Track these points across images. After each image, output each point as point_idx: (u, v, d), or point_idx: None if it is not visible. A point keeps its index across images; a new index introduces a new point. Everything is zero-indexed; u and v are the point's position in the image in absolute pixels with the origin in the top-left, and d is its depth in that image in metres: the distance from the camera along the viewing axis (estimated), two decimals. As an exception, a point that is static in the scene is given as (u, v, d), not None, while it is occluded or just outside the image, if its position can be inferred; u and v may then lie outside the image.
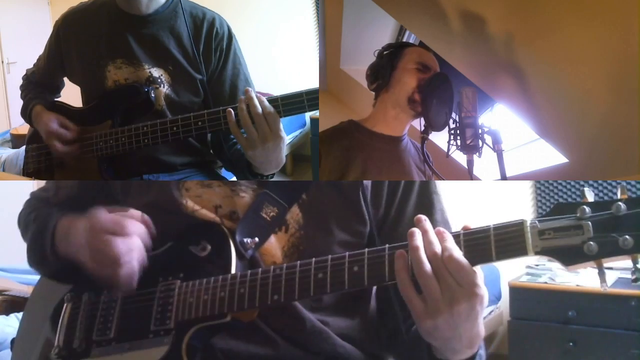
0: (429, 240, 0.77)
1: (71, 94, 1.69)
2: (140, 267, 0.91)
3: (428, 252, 0.76)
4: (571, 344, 2.65)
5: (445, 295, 0.75)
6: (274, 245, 0.94)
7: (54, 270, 1.01)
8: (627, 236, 0.68)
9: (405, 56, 1.49)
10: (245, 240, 0.92)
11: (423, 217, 0.80)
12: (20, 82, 1.72)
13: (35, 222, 1.06)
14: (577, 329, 2.65)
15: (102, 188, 1.12)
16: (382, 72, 1.48)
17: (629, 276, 0.71)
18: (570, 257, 0.72)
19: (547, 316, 2.72)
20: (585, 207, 0.71)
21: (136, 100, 1.44)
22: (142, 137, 1.35)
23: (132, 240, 0.90)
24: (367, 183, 0.98)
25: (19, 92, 1.69)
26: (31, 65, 1.71)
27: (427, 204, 1.01)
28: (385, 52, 1.52)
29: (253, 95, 1.20)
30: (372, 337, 1.01)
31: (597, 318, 2.61)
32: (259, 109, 1.19)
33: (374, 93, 1.56)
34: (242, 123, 1.20)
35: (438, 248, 0.76)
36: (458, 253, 0.75)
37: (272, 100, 1.21)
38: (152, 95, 1.44)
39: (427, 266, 0.76)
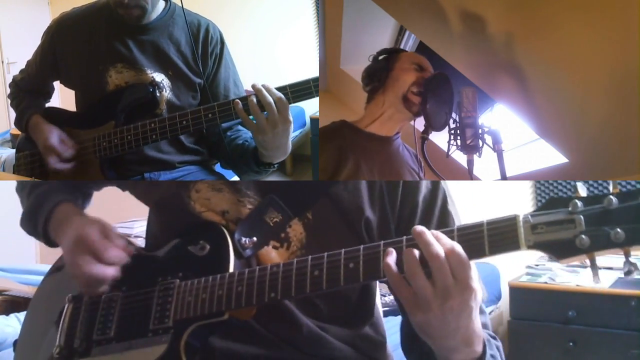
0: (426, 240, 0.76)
1: (65, 99, 1.67)
2: (104, 289, 0.96)
3: (427, 252, 0.75)
4: (571, 344, 2.65)
5: (438, 289, 0.74)
6: (275, 260, 0.95)
7: (43, 240, 1.09)
8: (618, 229, 0.68)
9: (401, 58, 1.53)
10: (243, 239, 0.93)
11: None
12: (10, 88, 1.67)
13: (33, 194, 1.11)
14: (577, 329, 2.65)
15: None
16: (378, 74, 1.50)
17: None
18: (562, 250, 0.72)
19: (547, 316, 2.72)
20: (577, 201, 0.72)
21: (141, 100, 1.45)
22: (149, 134, 1.37)
23: (107, 270, 0.94)
24: (372, 218, 0.97)
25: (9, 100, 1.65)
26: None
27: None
28: (381, 57, 1.55)
29: (260, 87, 1.26)
30: (373, 345, 1.01)
31: (597, 318, 2.61)
32: (269, 98, 1.25)
33: (366, 95, 1.57)
34: (252, 111, 1.27)
35: (439, 244, 0.76)
36: (459, 247, 0.75)
37: (281, 89, 1.27)
38: (157, 94, 1.46)
39: (437, 247, 0.74)
